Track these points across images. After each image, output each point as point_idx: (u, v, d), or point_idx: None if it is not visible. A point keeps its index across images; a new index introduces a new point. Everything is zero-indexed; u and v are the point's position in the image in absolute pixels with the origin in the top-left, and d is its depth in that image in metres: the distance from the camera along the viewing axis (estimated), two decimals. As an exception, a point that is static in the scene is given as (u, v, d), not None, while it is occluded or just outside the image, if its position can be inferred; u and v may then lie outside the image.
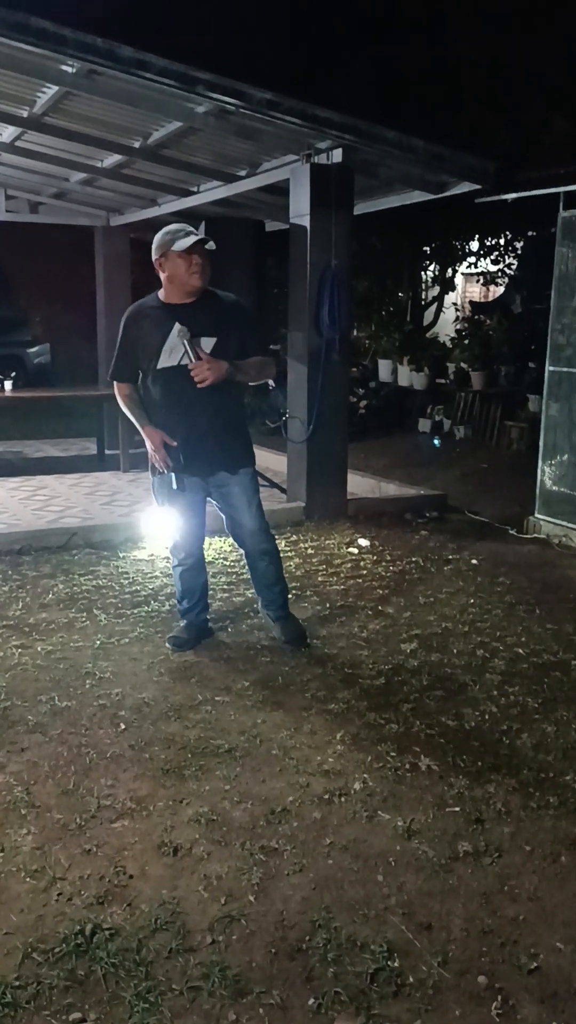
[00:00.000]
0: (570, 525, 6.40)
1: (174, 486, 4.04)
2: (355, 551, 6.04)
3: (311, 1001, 2.14)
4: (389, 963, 2.24)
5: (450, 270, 14.78)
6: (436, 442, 11.06)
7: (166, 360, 3.89)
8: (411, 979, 2.20)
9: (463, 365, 11.61)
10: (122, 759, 3.24)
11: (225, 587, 5.14)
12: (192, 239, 3.82)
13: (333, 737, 3.41)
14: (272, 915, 2.42)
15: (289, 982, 2.19)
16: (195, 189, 8.51)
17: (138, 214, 9.80)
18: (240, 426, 4.14)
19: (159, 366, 3.92)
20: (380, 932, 2.36)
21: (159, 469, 4.05)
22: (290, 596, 5.01)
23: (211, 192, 8.19)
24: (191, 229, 3.89)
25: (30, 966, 2.23)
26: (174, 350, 3.86)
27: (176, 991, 2.16)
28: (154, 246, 3.91)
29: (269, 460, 8.87)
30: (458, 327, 13.08)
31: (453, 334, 12.96)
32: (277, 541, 6.09)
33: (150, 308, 4.00)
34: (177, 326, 3.83)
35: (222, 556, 5.72)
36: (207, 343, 3.89)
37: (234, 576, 5.37)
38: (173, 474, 4.01)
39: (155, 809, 2.91)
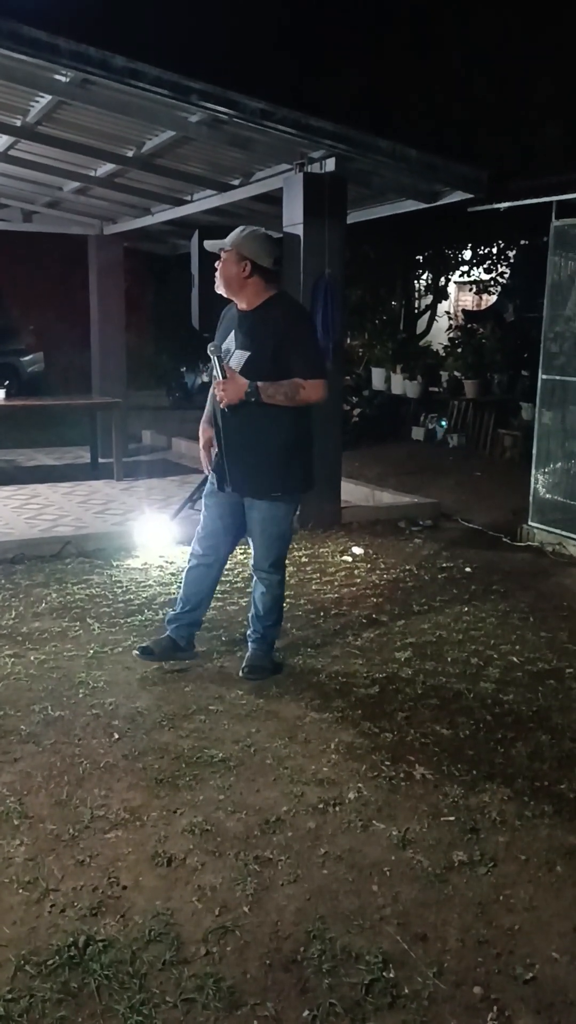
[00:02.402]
0: (564, 533, 6.40)
1: (213, 484, 4.00)
2: (349, 559, 6.04)
3: (306, 1013, 2.12)
4: (384, 974, 2.23)
5: (443, 279, 14.84)
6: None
7: (214, 368, 3.86)
8: (406, 990, 2.19)
9: (456, 373, 11.65)
10: (115, 769, 3.22)
11: (219, 595, 5.12)
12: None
13: (327, 746, 3.40)
14: (266, 926, 2.41)
15: (284, 994, 2.18)
16: (188, 198, 8.53)
17: (131, 223, 9.82)
18: (277, 452, 3.83)
19: (212, 372, 3.91)
20: (375, 943, 2.34)
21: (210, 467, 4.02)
22: (283, 605, 5.02)
23: (204, 201, 8.21)
24: (241, 231, 3.81)
25: (23, 979, 2.21)
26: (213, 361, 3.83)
27: (170, 1003, 2.14)
28: None
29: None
30: (451, 335, 13.13)
31: (446, 342, 13.01)
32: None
33: (230, 311, 3.97)
34: (216, 342, 3.84)
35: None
36: (240, 357, 3.79)
37: (228, 585, 5.36)
38: (213, 474, 3.99)
39: (149, 819, 2.90)
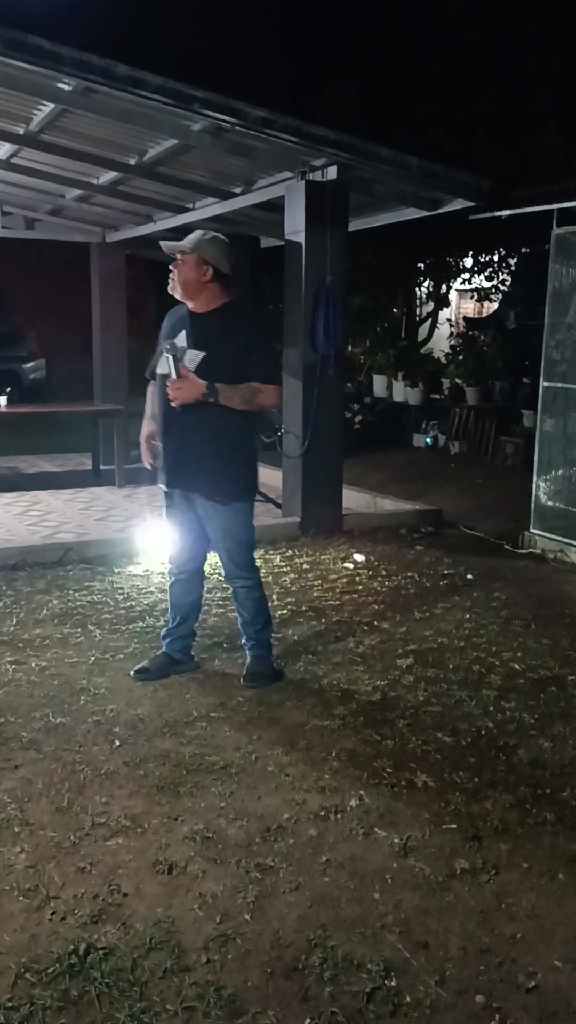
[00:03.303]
0: (565, 540, 6.40)
1: (163, 487, 3.96)
2: (351, 566, 6.03)
3: (307, 1021, 2.11)
4: (386, 982, 2.22)
5: (444, 286, 14.85)
6: (428, 441, 11.47)
7: (162, 366, 3.82)
8: (408, 999, 2.18)
9: (458, 381, 11.66)
10: (116, 776, 3.21)
11: (220, 602, 5.13)
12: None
13: (329, 753, 3.39)
14: (268, 934, 2.40)
15: (285, 1002, 2.17)
16: (191, 206, 8.55)
17: (134, 230, 9.84)
18: (231, 455, 3.83)
19: (157, 369, 3.89)
20: (377, 951, 2.33)
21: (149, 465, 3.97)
22: (285, 612, 5.02)
23: (207, 209, 8.23)
24: (203, 235, 3.80)
25: (23, 986, 2.20)
26: (165, 360, 3.79)
27: (171, 1011, 2.13)
28: None
29: (264, 475, 8.86)
30: (452, 343, 13.13)
31: (447, 350, 13.01)
32: (273, 556, 6.13)
33: (178, 310, 3.94)
34: (167, 340, 3.81)
35: (217, 571, 5.69)
36: (194, 357, 3.76)
37: (229, 591, 5.34)
38: (163, 486, 3.97)
39: (150, 827, 2.89)
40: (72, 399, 13.35)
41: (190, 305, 3.86)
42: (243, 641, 4.20)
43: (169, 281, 3.83)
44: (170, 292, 3.86)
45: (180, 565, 4.12)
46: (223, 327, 3.81)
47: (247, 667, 4.10)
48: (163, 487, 4.00)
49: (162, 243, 3.90)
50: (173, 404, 3.75)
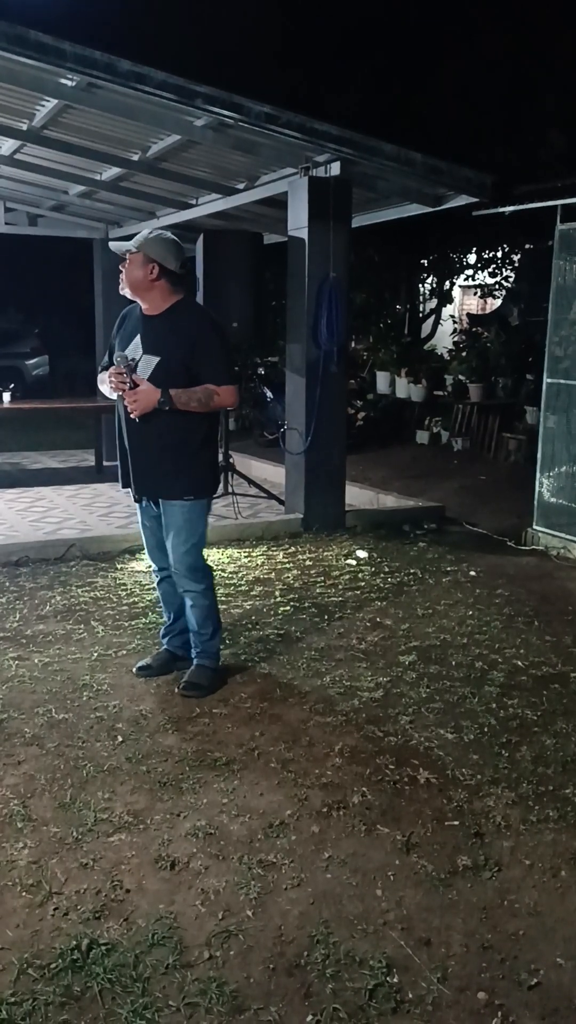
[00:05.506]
0: (568, 537, 6.40)
1: (127, 492, 3.96)
2: (353, 562, 6.03)
3: (309, 1018, 2.12)
4: (388, 979, 2.23)
5: (448, 282, 14.83)
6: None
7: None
8: (410, 995, 2.18)
9: (461, 377, 11.64)
10: (119, 772, 3.22)
11: (222, 599, 5.12)
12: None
13: (331, 750, 3.40)
14: (270, 930, 2.40)
15: (287, 998, 2.17)
16: (194, 202, 8.54)
17: (137, 227, 9.82)
18: (184, 454, 3.80)
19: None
20: (379, 947, 2.34)
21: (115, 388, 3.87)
22: (288, 608, 5.03)
23: (210, 205, 8.22)
24: (148, 234, 3.81)
25: (26, 982, 2.21)
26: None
27: (173, 1007, 2.13)
28: None
29: (268, 472, 8.89)
30: (456, 339, 13.11)
31: (451, 346, 12.99)
32: (276, 552, 6.14)
33: (132, 311, 3.94)
34: (119, 352, 3.82)
35: (219, 568, 5.71)
36: (149, 362, 3.74)
37: (232, 588, 5.36)
38: (132, 492, 3.96)
39: (152, 823, 2.89)
40: (75, 395, 13.37)
41: (143, 307, 3.84)
42: (192, 652, 4.09)
43: (120, 282, 3.82)
44: (121, 292, 3.85)
45: (158, 563, 4.11)
46: (173, 329, 3.77)
47: (187, 674, 3.98)
48: (131, 493, 3.98)
49: (111, 244, 3.91)
50: (133, 416, 3.73)
